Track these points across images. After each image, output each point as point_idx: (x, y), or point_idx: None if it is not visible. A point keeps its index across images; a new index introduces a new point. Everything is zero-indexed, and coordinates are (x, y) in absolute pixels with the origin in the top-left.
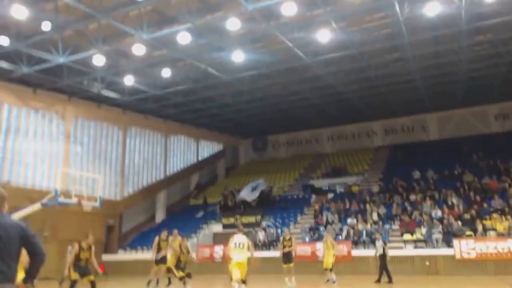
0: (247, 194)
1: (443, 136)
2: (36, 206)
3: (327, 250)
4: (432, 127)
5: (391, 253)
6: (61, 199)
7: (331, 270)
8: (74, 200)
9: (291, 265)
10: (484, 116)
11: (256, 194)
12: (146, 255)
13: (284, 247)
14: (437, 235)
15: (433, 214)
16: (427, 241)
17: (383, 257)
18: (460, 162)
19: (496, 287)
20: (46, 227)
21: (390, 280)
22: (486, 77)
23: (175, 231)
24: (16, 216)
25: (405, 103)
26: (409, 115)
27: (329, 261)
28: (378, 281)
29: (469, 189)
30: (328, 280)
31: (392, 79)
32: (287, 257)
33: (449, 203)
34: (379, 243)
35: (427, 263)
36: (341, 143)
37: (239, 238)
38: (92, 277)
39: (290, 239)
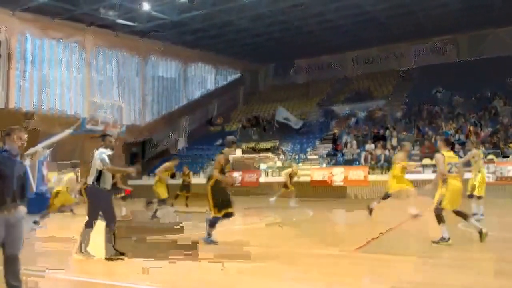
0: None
1: (475, 57)
2: (66, 133)
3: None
4: (464, 48)
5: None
6: (88, 126)
7: (388, 197)
8: (100, 127)
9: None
10: None
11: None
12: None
13: (183, 180)
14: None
15: (455, 139)
16: None
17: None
18: (491, 85)
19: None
20: (76, 151)
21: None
22: None
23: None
24: (49, 142)
25: (435, 22)
26: (439, 35)
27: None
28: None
29: (497, 113)
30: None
31: None
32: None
33: (476, 126)
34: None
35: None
36: (366, 67)
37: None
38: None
39: (188, 173)
